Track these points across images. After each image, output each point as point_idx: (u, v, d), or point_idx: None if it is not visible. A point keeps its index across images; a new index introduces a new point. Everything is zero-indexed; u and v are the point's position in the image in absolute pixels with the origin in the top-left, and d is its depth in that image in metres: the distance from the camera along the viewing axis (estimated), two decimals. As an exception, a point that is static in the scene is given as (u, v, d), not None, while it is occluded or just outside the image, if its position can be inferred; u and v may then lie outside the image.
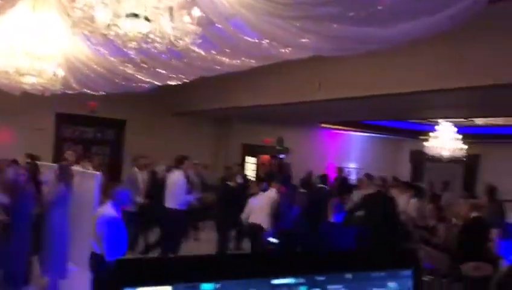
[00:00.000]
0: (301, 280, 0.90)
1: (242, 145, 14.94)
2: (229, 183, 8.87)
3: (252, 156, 15.46)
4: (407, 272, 1.02)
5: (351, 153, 17.00)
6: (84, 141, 12.77)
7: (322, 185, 9.31)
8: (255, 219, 7.51)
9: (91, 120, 12.45)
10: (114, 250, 4.45)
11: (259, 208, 7.55)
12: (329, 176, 13.83)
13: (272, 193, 7.86)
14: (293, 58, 4.93)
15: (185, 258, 0.89)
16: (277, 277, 0.88)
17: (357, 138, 17.09)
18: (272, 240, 6.10)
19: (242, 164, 14.98)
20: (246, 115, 13.06)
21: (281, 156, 10.80)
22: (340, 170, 13.52)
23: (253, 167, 15.42)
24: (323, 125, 15.52)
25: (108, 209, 4.69)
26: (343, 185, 12.00)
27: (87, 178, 5.57)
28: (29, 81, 6.36)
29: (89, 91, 8.62)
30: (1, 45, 5.76)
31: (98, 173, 5.93)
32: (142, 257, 6.66)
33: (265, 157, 15.32)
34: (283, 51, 4.65)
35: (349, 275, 0.95)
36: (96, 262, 4.47)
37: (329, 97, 8.11)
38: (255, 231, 7.44)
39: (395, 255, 1.11)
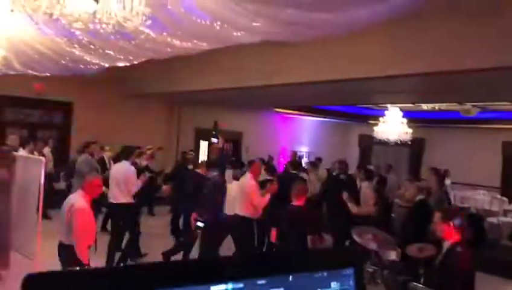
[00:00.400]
0: (240, 285, 0.87)
1: (195, 129, 14.84)
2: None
3: (205, 140, 15.41)
4: (349, 271, 1.00)
5: (303, 137, 17.30)
6: (29, 125, 12.25)
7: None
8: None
9: (36, 102, 11.94)
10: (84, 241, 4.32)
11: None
12: (282, 160, 14.05)
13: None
14: (245, 42, 4.91)
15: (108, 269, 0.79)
16: (216, 283, 0.84)
17: (308, 122, 17.39)
18: (199, 224, 6.13)
19: (197, 149, 14.92)
20: (197, 99, 12.96)
21: (214, 140, 10.64)
22: (295, 153, 13.72)
23: (205, 151, 15.39)
24: (276, 109, 15.67)
25: (79, 199, 4.41)
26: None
27: (32, 163, 5.35)
28: (-34, 61, 6.03)
29: (33, 72, 8.27)
30: None
31: (42, 158, 5.71)
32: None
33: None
34: (235, 34, 4.64)
35: (291, 277, 0.93)
36: (66, 253, 4.32)
37: (280, 82, 8.18)
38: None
39: (336, 254, 1.11)
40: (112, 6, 2.82)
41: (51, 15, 3.04)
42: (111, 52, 5.24)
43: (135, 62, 5.74)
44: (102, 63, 6.15)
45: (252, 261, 0.94)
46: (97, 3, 2.74)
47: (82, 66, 6.94)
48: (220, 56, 6.98)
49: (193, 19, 4.20)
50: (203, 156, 14.92)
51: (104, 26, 2.93)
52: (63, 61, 6.91)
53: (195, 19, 4.22)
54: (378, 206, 8.11)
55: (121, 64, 5.88)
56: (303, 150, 16.77)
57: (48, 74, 8.50)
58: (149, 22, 3.17)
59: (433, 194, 7.34)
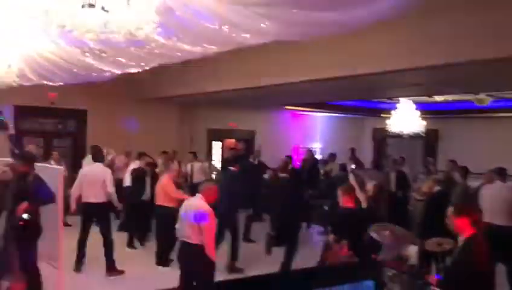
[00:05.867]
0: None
1: (207, 131, 14.93)
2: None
3: (218, 140, 15.50)
4: (370, 283, 1.04)
5: (315, 133, 17.27)
6: (45, 134, 12.45)
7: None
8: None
9: (51, 112, 12.12)
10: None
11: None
12: (295, 157, 14.05)
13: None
14: (254, 43, 4.94)
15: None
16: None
17: (320, 118, 17.36)
18: (24, 215, 6.09)
19: (209, 149, 15.04)
20: (210, 100, 13.02)
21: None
22: (310, 151, 13.70)
23: (219, 151, 15.48)
24: (287, 107, 15.68)
25: (200, 203, 4.95)
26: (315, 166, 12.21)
27: (49, 172, 5.44)
28: (-16, 75, 6.16)
29: (47, 82, 8.40)
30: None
31: (59, 166, 5.79)
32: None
33: (230, 141, 15.39)
34: (243, 36, 4.67)
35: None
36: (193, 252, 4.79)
37: (292, 80, 8.20)
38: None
39: (357, 267, 1.14)
40: (122, 16, 2.87)
41: (63, 27, 3.11)
42: (122, 60, 5.31)
43: (147, 68, 5.80)
44: (114, 70, 6.22)
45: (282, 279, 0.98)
46: (106, 12, 2.78)
47: (94, 74, 7.03)
48: (231, 57, 7.01)
49: (201, 23, 4.25)
50: (216, 156, 15.06)
51: (114, 35, 2.98)
52: (75, 70, 7.01)
53: (204, 23, 4.26)
54: (380, 200, 8.03)
55: (132, 70, 5.95)
56: (316, 146, 16.74)
57: (62, 83, 8.63)
58: (159, 29, 3.21)
59: (457, 185, 7.25)
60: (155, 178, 8.70)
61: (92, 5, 2.68)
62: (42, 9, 2.71)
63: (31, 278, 4.99)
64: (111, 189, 7.26)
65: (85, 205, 7.19)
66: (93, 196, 7.12)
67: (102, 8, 2.74)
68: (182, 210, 5.09)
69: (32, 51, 6.33)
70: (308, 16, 3.99)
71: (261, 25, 4.27)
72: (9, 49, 5.88)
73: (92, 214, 7.19)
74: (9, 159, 6.13)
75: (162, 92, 11.79)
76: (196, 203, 5.01)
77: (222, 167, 11.59)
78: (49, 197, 5.03)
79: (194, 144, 14.03)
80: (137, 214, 8.84)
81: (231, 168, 8.23)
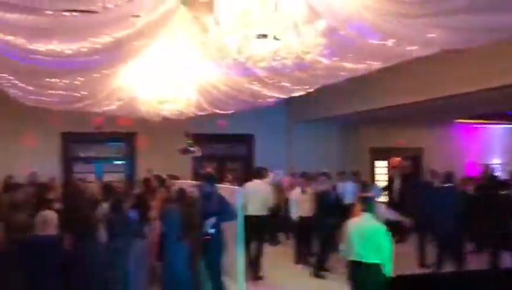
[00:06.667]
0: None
1: (370, 149, 14.54)
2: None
3: (382, 159, 14.95)
4: None
5: (494, 148, 15.52)
6: (218, 158, 13.52)
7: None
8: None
9: (222, 137, 13.15)
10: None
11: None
12: (471, 174, 12.79)
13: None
14: (420, 55, 4.69)
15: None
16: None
17: (499, 131, 15.57)
18: (211, 230, 5.79)
19: (372, 169, 14.61)
20: (372, 118, 12.69)
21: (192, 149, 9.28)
22: (486, 166, 12.38)
23: (384, 170, 14.91)
24: (458, 120, 14.46)
25: (371, 221, 4.88)
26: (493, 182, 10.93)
27: (229, 192, 5.88)
28: (168, 108, 6.96)
29: (218, 111, 9.16)
30: (143, 76, 6.40)
31: (238, 187, 6.19)
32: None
33: (395, 159, 14.71)
34: (409, 49, 4.46)
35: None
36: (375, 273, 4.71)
37: (465, 90, 7.53)
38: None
39: None
40: (291, 42, 2.97)
41: (235, 59, 3.34)
42: (287, 84, 5.50)
43: (310, 90, 5.93)
44: (278, 95, 6.49)
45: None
46: (277, 40, 2.91)
47: (260, 100, 7.43)
48: (395, 71, 6.76)
49: (365, 40, 4.18)
50: (380, 175, 14.53)
51: (284, 61, 3.10)
52: (243, 98, 7.51)
53: (367, 40, 4.18)
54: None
55: (296, 94, 6.13)
56: (495, 162, 15.02)
57: (231, 111, 9.34)
58: (326, 51, 3.24)
59: None
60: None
61: (264, 36, 2.83)
62: (220, 43, 2.96)
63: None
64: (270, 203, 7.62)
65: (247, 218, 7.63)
66: (254, 210, 7.49)
67: (274, 37, 2.87)
68: (353, 228, 4.97)
69: (206, 84, 6.98)
70: (476, 20, 3.64)
71: (428, 35, 4.03)
72: (188, 84, 6.55)
73: (253, 226, 7.57)
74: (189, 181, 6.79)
75: (324, 113, 11.88)
76: (369, 221, 4.87)
77: (388, 187, 11.08)
78: (232, 215, 5.42)
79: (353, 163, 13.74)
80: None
81: None
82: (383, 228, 4.80)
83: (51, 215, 4.61)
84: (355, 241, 4.86)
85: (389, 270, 4.73)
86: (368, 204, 5.00)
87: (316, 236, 8.06)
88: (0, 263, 4.75)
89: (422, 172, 11.84)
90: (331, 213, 7.50)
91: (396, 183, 10.52)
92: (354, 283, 5.00)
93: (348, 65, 4.73)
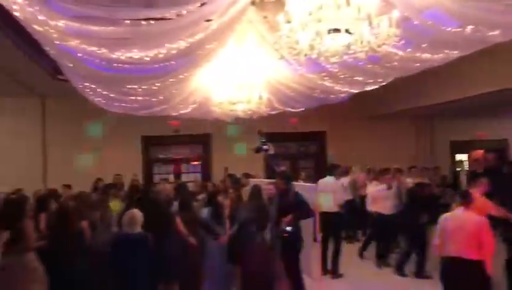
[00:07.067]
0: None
1: (450, 143, 13.89)
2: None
3: (463, 153, 14.25)
4: None
5: None
6: (290, 156, 13.55)
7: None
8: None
9: (294, 136, 13.16)
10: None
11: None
12: None
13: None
14: (502, 40, 4.41)
15: None
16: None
17: None
18: (288, 228, 5.49)
19: (452, 162, 13.96)
20: (451, 110, 12.10)
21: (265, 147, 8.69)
22: None
23: (465, 164, 14.20)
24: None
25: (471, 215, 4.67)
26: None
27: (307, 190, 5.87)
28: (240, 108, 7.10)
29: (290, 109, 9.19)
30: (215, 79, 6.58)
31: (315, 185, 6.17)
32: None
33: (478, 152, 13.93)
34: (491, 34, 4.21)
35: None
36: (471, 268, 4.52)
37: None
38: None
39: None
40: (364, 35, 2.92)
41: (307, 56, 3.34)
42: (360, 78, 5.40)
43: (384, 84, 5.78)
44: (351, 90, 6.39)
45: None
46: (350, 34, 2.87)
47: (332, 96, 7.36)
48: (473, 60, 6.41)
49: (441, 28, 4.00)
50: (461, 169, 13.83)
51: (357, 55, 3.06)
52: (314, 95, 7.48)
53: (444, 28, 4.01)
54: None
55: (369, 88, 6.01)
56: None
57: (302, 109, 9.33)
58: (401, 42, 3.15)
59: None
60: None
61: (337, 30, 2.81)
62: (291, 41, 2.98)
63: (296, 287, 5.41)
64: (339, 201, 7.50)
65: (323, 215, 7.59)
66: (329, 207, 7.39)
67: (347, 31, 2.84)
68: (451, 223, 4.72)
69: (277, 82, 7.04)
70: None
71: (513, 17, 3.79)
72: (259, 84, 6.65)
73: (329, 223, 7.51)
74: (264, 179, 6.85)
75: (397, 106, 11.52)
76: (468, 215, 4.62)
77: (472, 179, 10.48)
78: (309, 212, 5.42)
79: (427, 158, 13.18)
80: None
81: None
82: (485, 222, 4.51)
83: (138, 214, 4.87)
84: (454, 236, 4.61)
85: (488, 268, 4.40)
86: (466, 198, 4.74)
87: (404, 234, 7.80)
88: (92, 261, 5.08)
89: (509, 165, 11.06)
90: (424, 210, 7.18)
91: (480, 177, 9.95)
92: (450, 281, 4.74)
93: (425, 56, 4.55)
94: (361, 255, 8.16)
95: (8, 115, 11.28)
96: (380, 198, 7.91)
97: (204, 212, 6.19)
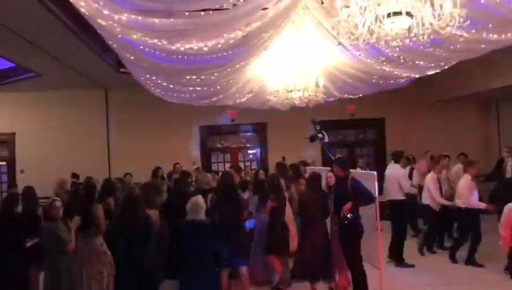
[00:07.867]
0: None
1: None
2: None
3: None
4: None
5: None
6: (347, 144, 13.34)
7: None
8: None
9: (351, 123, 12.92)
10: None
11: None
12: None
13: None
14: None
15: None
16: None
17: None
18: (348, 215, 5.24)
19: None
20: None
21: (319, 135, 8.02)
22: None
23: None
24: None
25: None
26: None
27: (367, 178, 5.76)
28: (297, 96, 7.07)
29: (348, 96, 9.04)
30: (272, 67, 6.59)
31: (374, 173, 6.05)
32: None
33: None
34: None
35: None
36: None
37: None
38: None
39: None
40: (426, 17, 2.81)
41: (366, 41, 3.26)
42: (421, 63, 5.22)
43: (446, 67, 5.54)
44: (412, 75, 6.18)
45: None
46: (411, 16, 2.78)
47: (392, 82, 7.15)
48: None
49: (510, 6, 3.78)
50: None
51: (419, 38, 2.94)
52: (373, 80, 7.30)
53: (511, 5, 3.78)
54: None
55: (431, 72, 5.79)
56: None
57: (360, 95, 9.15)
58: (466, 23, 2.99)
59: None
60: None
61: (397, 13, 2.72)
62: (350, 26, 2.92)
63: (357, 276, 5.37)
64: (406, 189, 7.45)
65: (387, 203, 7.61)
66: (390, 194, 7.41)
67: (408, 14, 2.74)
68: None
69: (334, 69, 6.94)
70: None
71: None
72: (316, 70, 6.58)
73: (391, 211, 7.51)
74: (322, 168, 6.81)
75: (459, 91, 11.01)
76: None
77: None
78: (369, 199, 5.34)
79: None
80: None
81: None
82: None
83: (201, 201, 5.01)
84: None
85: None
86: None
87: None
88: (160, 245, 5.28)
89: None
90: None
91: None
92: None
93: (492, 37, 4.31)
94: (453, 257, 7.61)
95: (74, 105, 11.88)
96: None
97: (254, 200, 6.34)
